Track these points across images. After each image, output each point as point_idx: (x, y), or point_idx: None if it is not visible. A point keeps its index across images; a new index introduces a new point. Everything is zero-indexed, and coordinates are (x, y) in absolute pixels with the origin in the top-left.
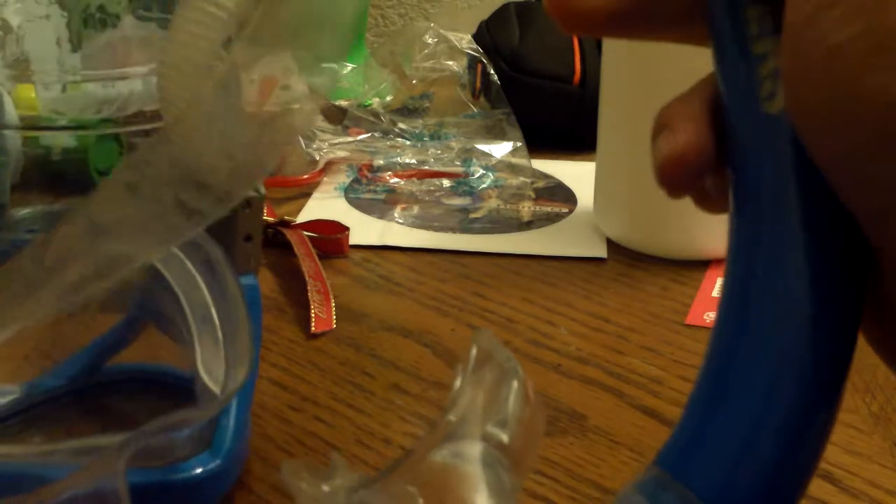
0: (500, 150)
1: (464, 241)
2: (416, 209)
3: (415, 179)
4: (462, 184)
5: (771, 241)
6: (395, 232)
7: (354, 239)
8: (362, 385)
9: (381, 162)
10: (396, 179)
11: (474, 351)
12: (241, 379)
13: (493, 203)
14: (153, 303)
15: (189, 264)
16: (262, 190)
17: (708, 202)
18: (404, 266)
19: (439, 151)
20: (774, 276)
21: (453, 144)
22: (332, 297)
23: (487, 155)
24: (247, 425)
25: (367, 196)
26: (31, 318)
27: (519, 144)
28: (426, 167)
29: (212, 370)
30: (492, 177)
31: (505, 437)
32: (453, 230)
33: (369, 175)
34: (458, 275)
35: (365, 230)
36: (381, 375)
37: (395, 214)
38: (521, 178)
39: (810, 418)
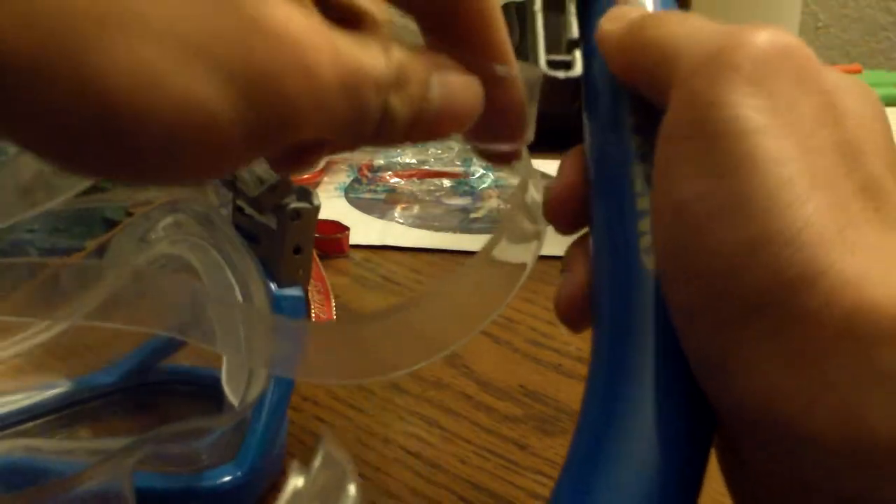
0: None
1: (464, 241)
2: (416, 209)
3: (415, 179)
4: (462, 184)
5: (623, 393)
6: (395, 232)
7: (354, 239)
8: (362, 385)
9: (382, 161)
10: (396, 179)
11: (319, 456)
12: (255, 393)
13: (493, 203)
14: (203, 311)
15: (228, 273)
16: (316, 201)
17: None
18: (404, 266)
19: (439, 151)
20: (627, 423)
21: (453, 144)
22: (332, 296)
23: None
24: (277, 436)
25: (368, 196)
26: (80, 315)
27: None
28: (426, 167)
29: (234, 381)
30: (492, 177)
31: None
32: (453, 230)
33: (369, 175)
34: None
35: (365, 230)
36: None
37: (396, 214)
38: None
39: None
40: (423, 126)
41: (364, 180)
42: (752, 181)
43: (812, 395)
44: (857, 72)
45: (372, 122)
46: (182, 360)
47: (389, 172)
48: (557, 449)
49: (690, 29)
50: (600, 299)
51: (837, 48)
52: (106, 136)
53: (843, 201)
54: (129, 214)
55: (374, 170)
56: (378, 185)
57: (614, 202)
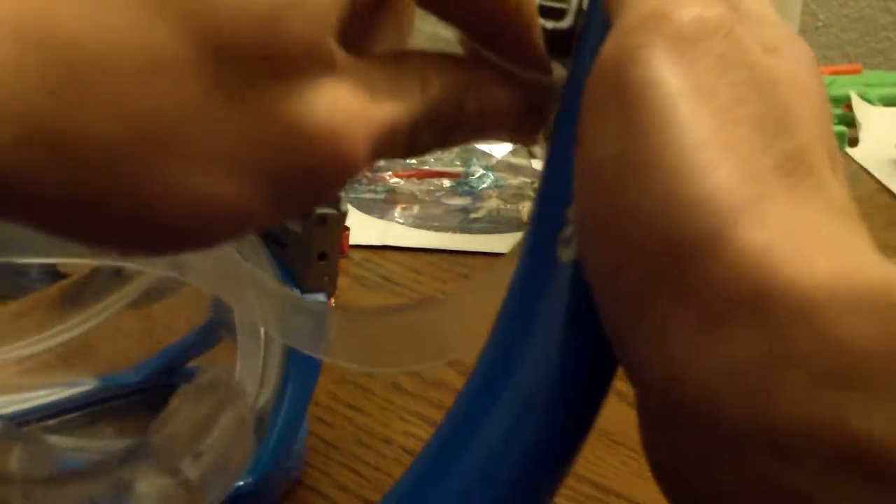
0: (501, 149)
1: (464, 241)
2: (416, 209)
3: (415, 179)
4: (462, 184)
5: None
6: (395, 232)
7: (354, 239)
8: (362, 385)
9: (382, 162)
10: (396, 179)
11: (200, 375)
12: (265, 399)
13: (493, 203)
14: (227, 313)
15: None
16: (344, 207)
17: None
18: (404, 266)
19: (439, 151)
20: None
21: None
22: (332, 297)
23: (487, 155)
24: (292, 445)
25: (367, 196)
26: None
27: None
28: (426, 167)
29: (247, 387)
30: (492, 177)
31: (195, 474)
32: (453, 230)
33: (369, 175)
34: (458, 275)
35: (365, 230)
36: (380, 375)
37: (395, 214)
38: (522, 178)
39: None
40: (455, 141)
41: (364, 180)
42: (663, 143)
43: (721, 374)
44: (857, 72)
45: (400, 153)
46: (207, 362)
47: (389, 172)
48: None
49: None
50: (511, 285)
51: (837, 48)
52: (146, 237)
53: (758, 173)
54: None
55: (374, 170)
56: (378, 185)
57: (548, 183)
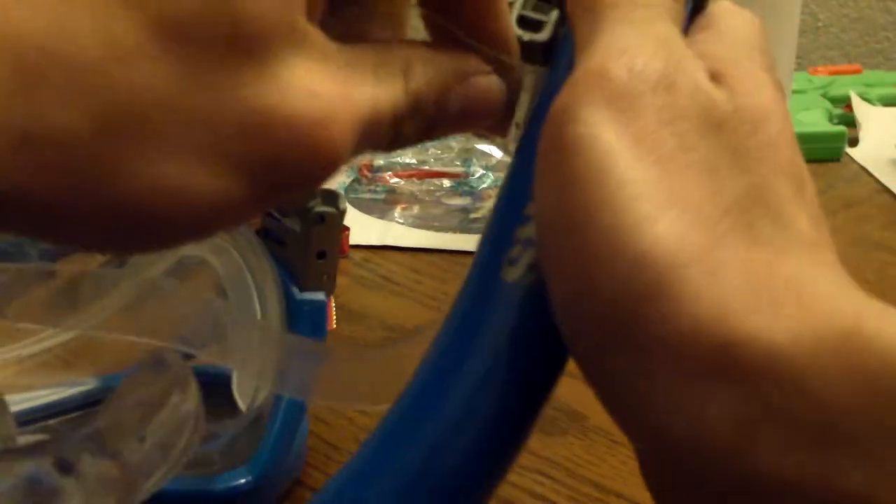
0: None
1: (464, 241)
2: (416, 209)
3: (415, 179)
4: (462, 184)
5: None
6: (395, 232)
7: (354, 239)
8: None
9: (381, 162)
10: (396, 179)
11: (147, 359)
12: (262, 397)
13: (493, 203)
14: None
15: (248, 276)
16: (342, 206)
17: None
18: (404, 266)
19: (439, 151)
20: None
21: (453, 144)
22: (332, 296)
23: (487, 155)
24: (292, 442)
25: (367, 196)
26: (103, 315)
27: None
28: (426, 167)
29: (245, 385)
30: (492, 177)
31: (136, 456)
32: (453, 230)
33: (369, 175)
34: (458, 275)
35: (365, 230)
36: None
37: (395, 214)
38: None
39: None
40: (437, 134)
41: (364, 180)
42: (599, 200)
43: (698, 428)
44: (857, 72)
45: (382, 145)
46: (207, 361)
47: (389, 172)
48: (557, 449)
49: (607, 29)
50: (456, 297)
51: (837, 48)
52: (119, 232)
53: (707, 221)
54: None
55: (374, 170)
56: (378, 186)
57: (503, 203)
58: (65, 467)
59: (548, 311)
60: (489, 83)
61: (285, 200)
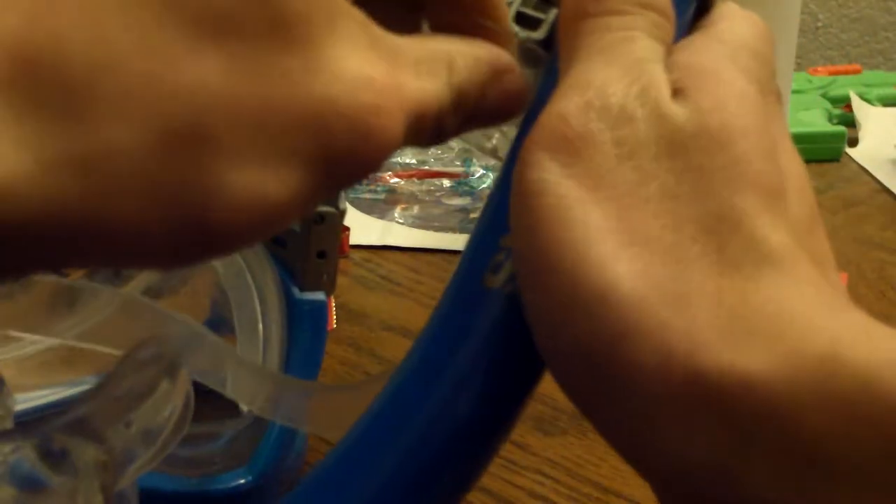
0: (500, 150)
1: (464, 241)
2: (416, 209)
3: (415, 179)
4: (462, 184)
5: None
6: (395, 232)
7: (354, 239)
8: None
9: None
10: (396, 179)
11: (138, 346)
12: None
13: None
14: (226, 312)
15: (248, 276)
16: (342, 205)
17: None
18: (404, 266)
19: (439, 151)
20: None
21: (453, 144)
22: (332, 296)
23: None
24: (292, 443)
25: (367, 196)
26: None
27: None
28: (426, 167)
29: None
30: (492, 177)
31: (119, 443)
32: (453, 230)
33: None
34: None
35: (365, 230)
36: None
37: (395, 214)
38: None
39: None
40: (470, 129)
41: (364, 180)
42: (559, 241)
43: (684, 466)
44: (857, 72)
45: (424, 139)
46: None
47: (389, 172)
48: (557, 449)
49: (580, 59)
50: (440, 299)
51: (837, 48)
52: (189, 247)
53: (672, 251)
54: None
55: None
56: (378, 185)
57: (490, 209)
58: (51, 452)
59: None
60: (520, 78)
61: (339, 190)
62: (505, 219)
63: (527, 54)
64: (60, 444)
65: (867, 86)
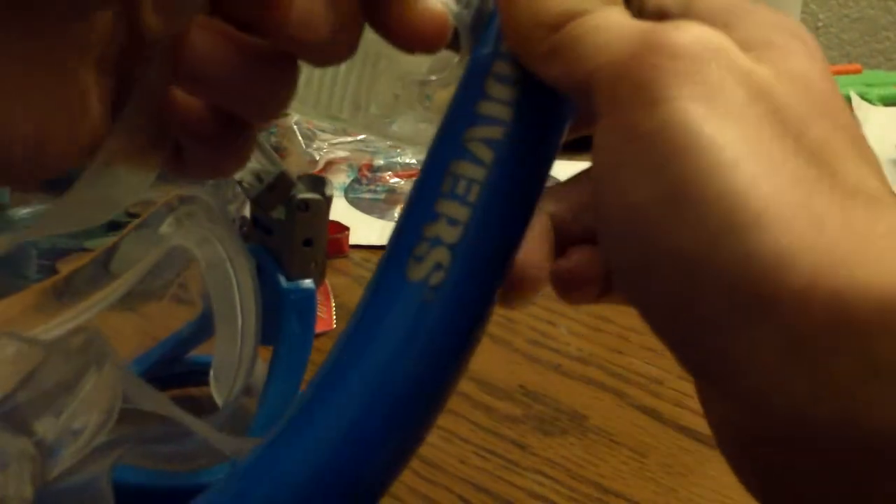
0: None
1: None
2: None
3: (415, 179)
4: None
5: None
6: None
7: (354, 239)
8: None
9: (381, 162)
10: (396, 179)
11: (66, 336)
12: (237, 392)
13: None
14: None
15: (229, 268)
16: (329, 192)
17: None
18: None
19: None
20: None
21: None
22: (332, 297)
23: None
24: None
25: (367, 196)
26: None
27: None
28: None
29: (222, 382)
30: None
31: (50, 434)
32: None
33: (369, 175)
34: None
35: (365, 230)
36: None
37: (396, 214)
38: None
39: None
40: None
41: (364, 180)
42: (700, 172)
43: (810, 389)
44: (857, 72)
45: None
46: (209, 351)
47: (389, 172)
48: (557, 449)
49: (608, 27)
50: (362, 294)
51: (837, 48)
52: None
53: (797, 176)
54: (130, 215)
55: (374, 170)
56: (378, 186)
57: (416, 194)
58: None
59: (451, 312)
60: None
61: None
62: (429, 208)
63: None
64: None
65: (868, 85)
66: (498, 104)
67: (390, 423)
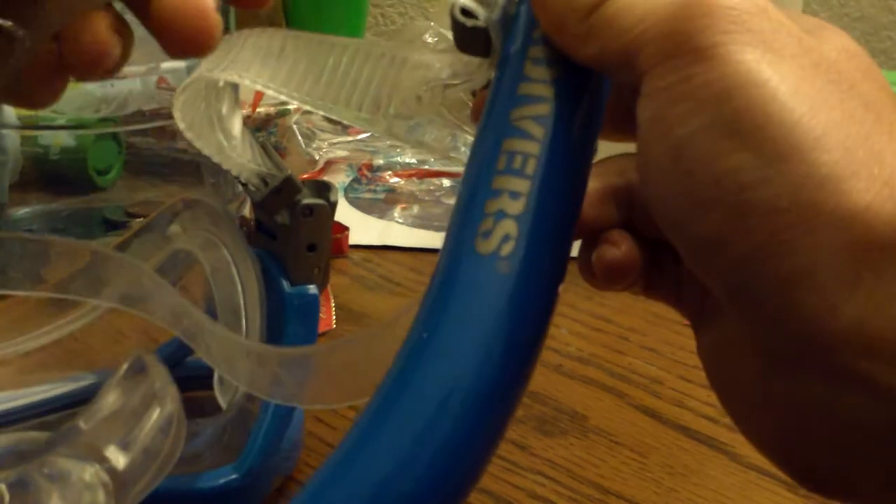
0: None
1: None
2: (416, 209)
3: (415, 179)
4: None
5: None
6: (395, 232)
7: (354, 239)
8: None
9: (381, 161)
10: (396, 179)
11: (127, 363)
12: (240, 394)
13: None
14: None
15: (234, 271)
16: (334, 198)
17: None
18: (404, 266)
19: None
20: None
21: (458, 144)
22: (331, 297)
23: None
24: (281, 439)
25: (367, 196)
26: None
27: None
28: (426, 167)
29: (227, 383)
30: None
31: (122, 463)
32: None
33: (369, 175)
34: None
35: (365, 230)
36: None
37: (395, 214)
38: None
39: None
40: None
41: (363, 180)
42: (759, 103)
43: (867, 303)
44: None
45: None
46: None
47: (389, 172)
48: (557, 449)
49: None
50: (433, 274)
51: None
52: None
53: (856, 116)
54: (129, 214)
55: (374, 170)
56: (377, 185)
57: (473, 178)
58: (49, 472)
59: (528, 281)
60: None
61: None
62: (488, 182)
63: (474, 39)
64: (60, 463)
65: None
66: (539, 84)
67: (477, 397)
